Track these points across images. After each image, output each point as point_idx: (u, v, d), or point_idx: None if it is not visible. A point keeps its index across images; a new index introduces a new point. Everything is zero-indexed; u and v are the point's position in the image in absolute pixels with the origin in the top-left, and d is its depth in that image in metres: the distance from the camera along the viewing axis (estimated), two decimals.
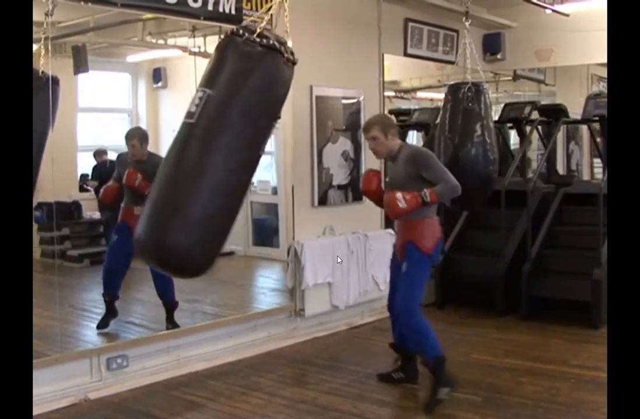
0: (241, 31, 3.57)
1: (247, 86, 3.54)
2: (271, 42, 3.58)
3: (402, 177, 4.66)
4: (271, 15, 3.87)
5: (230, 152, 3.48)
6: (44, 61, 4.73)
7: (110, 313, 5.70)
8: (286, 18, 3.97)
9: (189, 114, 3.51)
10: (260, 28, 3.58)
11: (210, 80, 3.62)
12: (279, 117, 3.77)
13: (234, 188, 3.56)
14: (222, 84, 3.55)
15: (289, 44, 3.73)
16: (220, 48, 3.64)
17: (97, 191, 6.55)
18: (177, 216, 3.41)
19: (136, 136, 5.83)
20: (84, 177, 7.15)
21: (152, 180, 4.07)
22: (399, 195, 4.53)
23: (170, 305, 5.78)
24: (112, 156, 7.28)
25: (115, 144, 7.51)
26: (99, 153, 7.26)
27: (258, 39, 3.55)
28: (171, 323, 5.75)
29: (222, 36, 3.67)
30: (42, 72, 4.70)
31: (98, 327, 5.62)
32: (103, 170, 7.00)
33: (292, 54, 3.67)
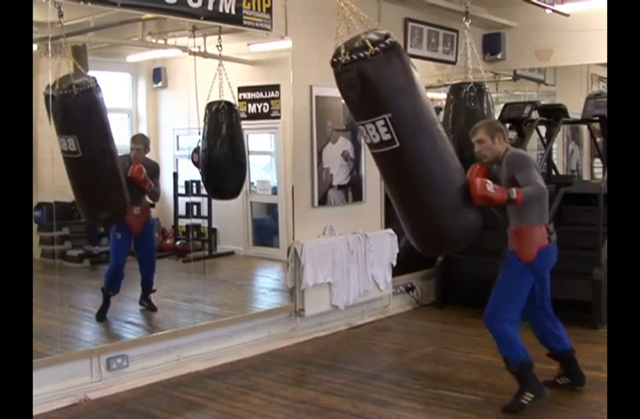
0: (362, 54, 3.88)
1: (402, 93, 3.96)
2: (357, 55, 3.84)
3: (504, 181, 4.50)
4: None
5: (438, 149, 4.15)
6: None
7: (107, 305, 5.93)
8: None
9: (385, 143, 3.98)
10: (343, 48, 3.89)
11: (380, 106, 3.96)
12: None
13: (455, 169, 4.26)
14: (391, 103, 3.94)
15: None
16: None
17: None
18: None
19: (143, 142, 6.31)
20: None
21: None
22: (490, 181, 4.31)
23: (150, 285, 6.20)
24: None
25: (116, 144, 7.51)
26: None
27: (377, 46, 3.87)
28: (147, 301, 6.14)
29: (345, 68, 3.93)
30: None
31: (98, 320, 5.80)
32: None
33: (380, 40, 3.88)
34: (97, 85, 5.05)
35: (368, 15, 6.88)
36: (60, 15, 4.53)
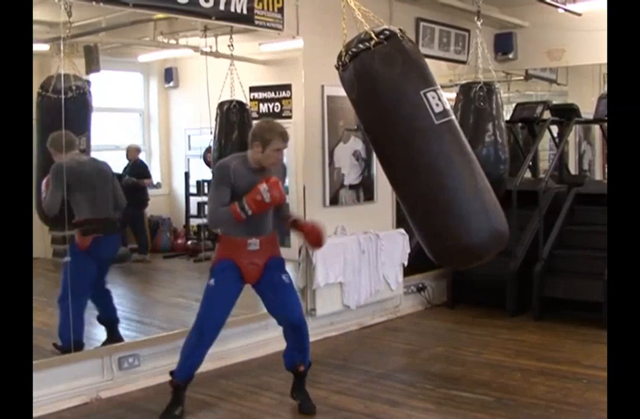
0: (361, 46, 3.78)
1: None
2: (387, 32, 3.75)
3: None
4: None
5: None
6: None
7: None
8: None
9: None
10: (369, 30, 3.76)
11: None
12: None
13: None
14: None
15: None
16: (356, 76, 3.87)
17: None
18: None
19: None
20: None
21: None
22: None
23: (115, 322, 5.58)
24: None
25: (127, 144, 7.53)
26: (131, 151, 7.31)
27: (380, 37, 3.78)
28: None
29: (343, 66, 3.80)
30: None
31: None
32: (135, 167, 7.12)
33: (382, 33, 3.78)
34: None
35: (379, 15, 6.91)
36: (69, 15, 4.54)
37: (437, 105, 3.73)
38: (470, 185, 3.78)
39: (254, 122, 6.47)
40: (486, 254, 3.99)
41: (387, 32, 3.78)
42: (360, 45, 3.72)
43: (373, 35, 3.72)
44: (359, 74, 3.75)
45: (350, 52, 3.73)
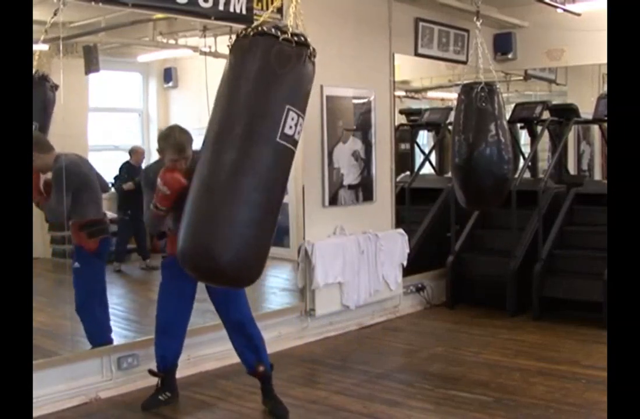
0: (273, 30, 3.56)
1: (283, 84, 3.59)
2: (302, 39, 3.60)
3: None
4: (281, 15, 3.84)
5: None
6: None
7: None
8: (293, 11, 3.90)
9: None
10: (290, 26, 3.58)
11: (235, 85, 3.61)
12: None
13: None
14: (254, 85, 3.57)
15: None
16: (247, 49, 3.62)
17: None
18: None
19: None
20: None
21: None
22: None
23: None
24: (124, 156, 7.31)
25: (126, 144, 7.54)
26: (135, 152, 7.30)
27: (293, 38, 3.56)
28: None
29: (244, 36, 3.63)
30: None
31: None
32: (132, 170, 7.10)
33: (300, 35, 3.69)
34: None
35: (379, 15, 6.92)
36: (55, 13, 4.51)
37: (291, 127, 3.51)
38: (251, 209, 3.49)
39: None
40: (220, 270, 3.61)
41: (302, 39, 3.68)
42: (273, 30, 3.59)
43: (289, 31, 3.62)
44: (249, 50, 3.61)
45: (259, 28, 3.59)
